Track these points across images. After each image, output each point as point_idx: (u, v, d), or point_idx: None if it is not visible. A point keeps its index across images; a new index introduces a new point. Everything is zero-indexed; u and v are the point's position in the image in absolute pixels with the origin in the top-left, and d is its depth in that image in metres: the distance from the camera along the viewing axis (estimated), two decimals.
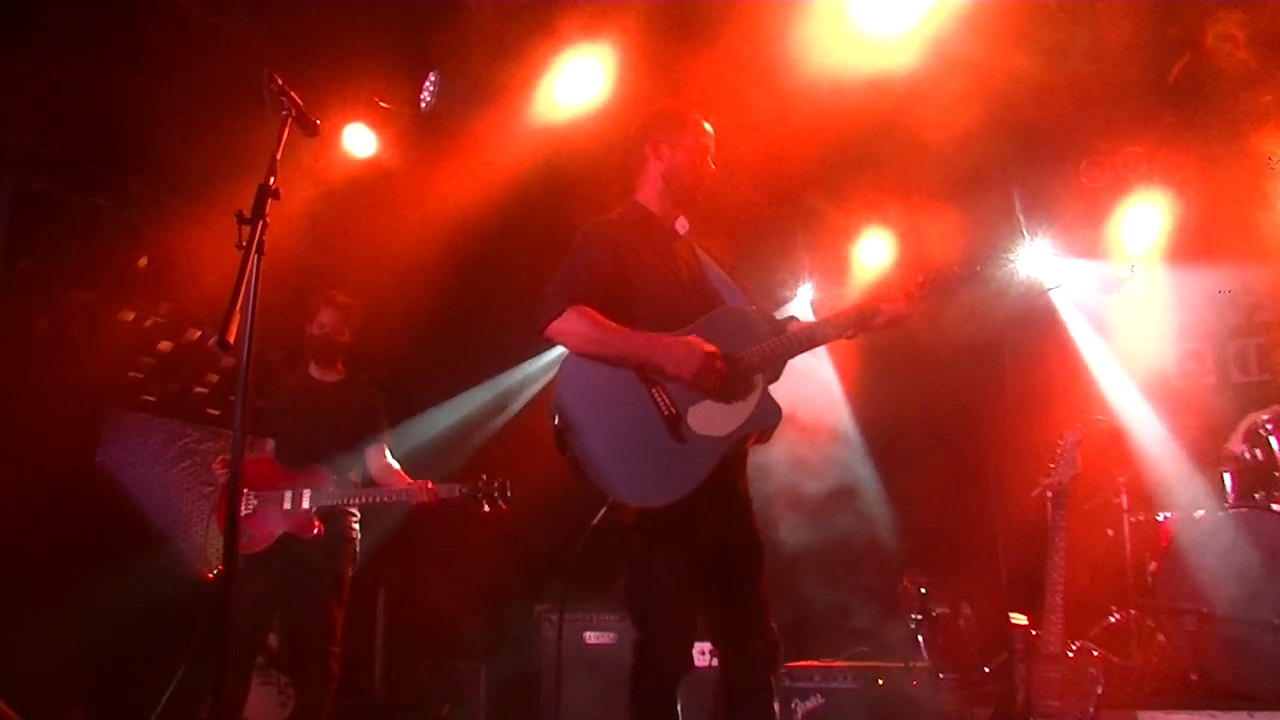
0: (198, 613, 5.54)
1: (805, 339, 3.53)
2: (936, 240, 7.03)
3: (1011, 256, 6.69)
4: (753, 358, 3.48)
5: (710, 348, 3.38)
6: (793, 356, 3.58)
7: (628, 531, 3.45)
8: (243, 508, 5.20)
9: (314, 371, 5.60)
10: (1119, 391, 7.24)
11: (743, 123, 5.56)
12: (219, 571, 5.32)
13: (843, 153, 6.35)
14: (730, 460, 3.48)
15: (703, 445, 3.38)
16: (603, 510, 3.34)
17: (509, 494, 5.23)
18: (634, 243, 3.67)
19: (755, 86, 5.73)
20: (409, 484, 5.32)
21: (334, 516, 5.31)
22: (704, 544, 3.48)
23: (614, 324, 3.46)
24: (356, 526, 5.45)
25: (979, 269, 3.55)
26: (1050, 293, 5.00)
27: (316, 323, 5.55)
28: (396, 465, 5.54)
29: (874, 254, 7.91)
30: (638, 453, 3.38)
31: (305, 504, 5.19)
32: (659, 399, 3.42)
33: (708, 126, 3.85)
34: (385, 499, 5.31)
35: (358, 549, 5.45)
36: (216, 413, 7.16)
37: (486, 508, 5.21)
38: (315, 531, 5.17)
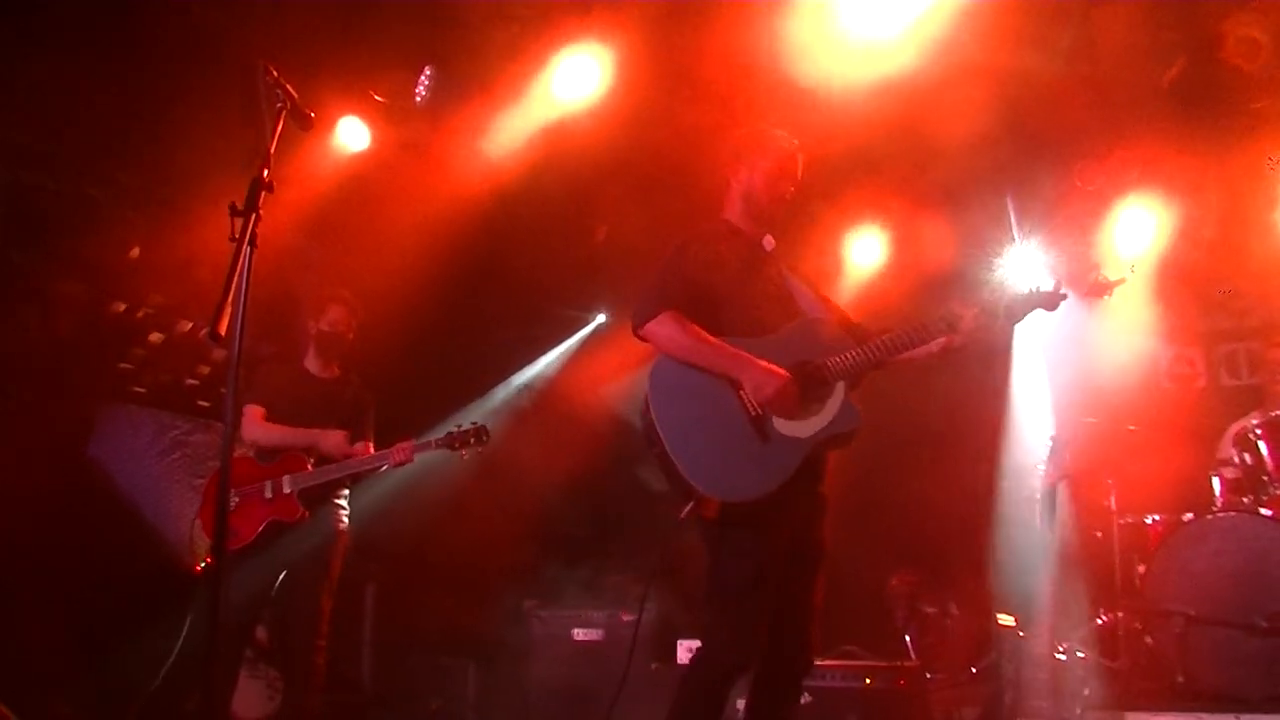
0: (187, 606, 5.54)
1: (886, 349, 3.70)
2: (930, 242, 7.06)
3: (1004, 260, 6.72)
4: (836, 365, 3.65)
5: (788, 375, 3.55)
6: (874, 366, 3.74)
7: (709, 525, 3.59)
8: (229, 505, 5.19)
9: (311, 367, 5.59)
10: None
11: (733, 123, 5.58)
12: (208, 564, 5.31)
13: (834, 153, 6.35)
14: (812, 463, 3.63)
15: (787, 445, 3.55)
16: (689, 505, 3.50)
17: (485, 439, 5.28)
18: (724, 257, 3.83)
19: (746, 86, 5.73)
20: (377, 454, 5.35)
21: (322, 508, 5.31)
22: (780, 543, 3.61)
23: (704, 333, 3.64)
24: (345, 518, 5.45)
25: (1045, 290, 3.67)
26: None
27: (326, 319, 5.55)
28: None
29: (866, 255, 7.93)
30: (725, 449, 3.55)
31: (286, 489, 5.20)
32: (746, 399, 3.58)
33: (788, 147, 4.00)
34: (364, 467, 5.34)
35: (348, 541, 5.45)
36: (207, 405, 7.14)
37: (465, 454, 5.26)
38: (300, 516, 5.18)
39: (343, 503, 5.44)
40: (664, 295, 3.69)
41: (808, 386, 3.61)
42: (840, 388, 3.66)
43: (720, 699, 3.56)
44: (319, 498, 5.30)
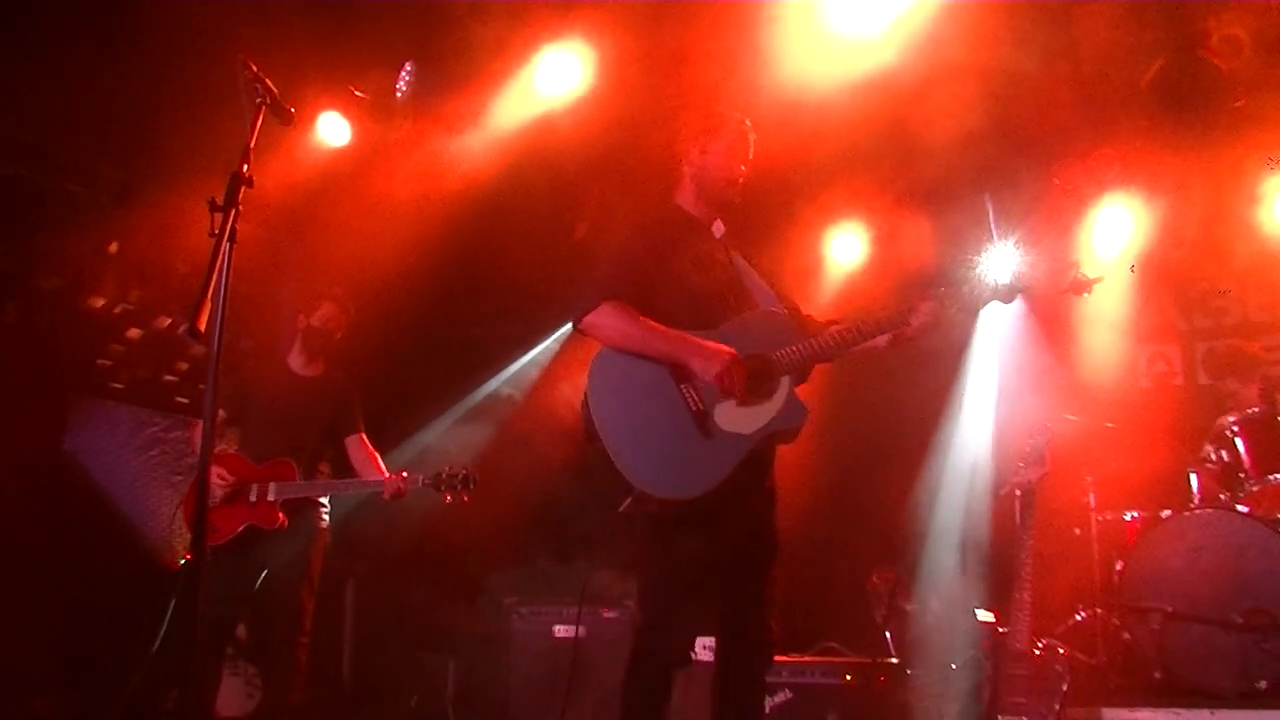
0: (165, 603, 5.51)
1: (837, 343, 3.63)
2: (910, 241, 7.07)
3: (984, 260, 6.72)
4: (782, 359, 3.58)
5: (734, 352, 3.49)
6: (823, 360, 3.68)
7: (651, 522, 3.55)
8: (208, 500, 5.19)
9: (294, 364, 5.55)
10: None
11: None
12: (187, 561, 5.29)
13: (816, 150, 6.36)
14: (757, 458, 3.57)
15: (729, 441, 3.48)
16: (629, 500, 3.44)
17: (472, 485, 5.26)
18: (672, 243, 3.75)
19: (729, 83, 5.73)
20: (376, 477, 5.34)
21: (303, 508, 5.29)
22: (726, 539, 3.56)
23: (647, 320, 3.56)
24: (326, 516, 5.43)
25: (1001, 283, 3.63)
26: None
27: (318, 315, 5.51)
28: (376, 455, 5.56)
29: (847, 253, 7.95)
30: (665, 446, 3.49)
31: (270, 496, 5.17)
32: (688, 395, 3.52)
33: (739, 127, 3.91)
34: (350, 490, 5.34)
35: (328, 540, 5.44)
36: (186, 401, 7.10)
37: (448, 498, 5.24)
38: (279, 525, 5.16)
39: (324, 501, 5.43)
40: (604, 286, 3.61)
41: (754, 380, 3.53)
42: (785, 382, 3.59)
43: (664, 693, 3.51)
44: (300, 500, 5.28)
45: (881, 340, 3.69)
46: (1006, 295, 3.65)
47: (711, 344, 3.50)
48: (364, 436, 5.55)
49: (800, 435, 3.64)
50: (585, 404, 3.53)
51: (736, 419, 3.51)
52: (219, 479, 5.09)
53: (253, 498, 5.18)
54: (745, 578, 3.67)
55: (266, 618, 5.35)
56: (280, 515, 5.17)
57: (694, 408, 3.49)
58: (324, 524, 5.41)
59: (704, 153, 3.84)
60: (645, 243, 3.73)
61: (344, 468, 5.57)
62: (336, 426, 5.49)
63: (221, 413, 5.38)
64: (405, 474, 5.29)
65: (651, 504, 3.45)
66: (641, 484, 3.41)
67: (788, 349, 3.59)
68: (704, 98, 5.65)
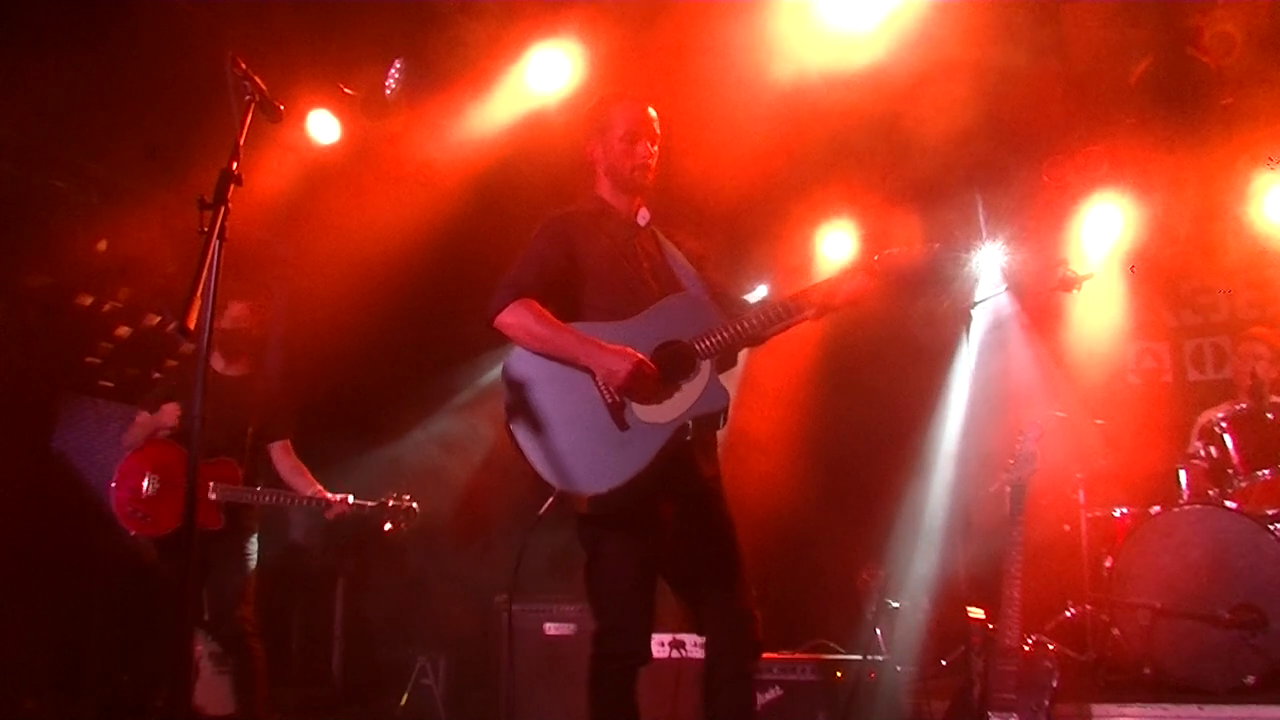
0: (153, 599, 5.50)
1: (765, 321, 3.56)
2: (901, 238, 7.06)
3: (971, 256, 6.74)
4: (704, 346, 3.52)
5: (640, 357, 3.43)
6: (750, 343, 3.64)
7: (583, 521, 3.50)
8: (144, 489, 5.16)
9: (216, 365, 5.47)
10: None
11: (707, 119, 5.59)
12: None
13: (808, 146, 6.36)
14: (684, 447, 3.50)
15: (646, 432, 3.43)
16: (550, 500, 3.40)
17: (413, 516, 5.24)
18: (590, 234, 3.73)
19: (721, 79, 5.73)
20: (323, 496, 5.26)
21: (236, 524, 5.23)
22: (665, 533, 3.51)
23: (556, 321, 3.52)
24: (253, 558, 5.36)
25: (937, 253, 3.59)
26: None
27: (227, 316, 5.41)
28: (301, 464, 5.48)
29: (836, 251, 7.95)
30: (582, 440, 3.43)
31: (211, 496, 5.09)
32: (603, 387, 3.47)
33: (642, 109, 3.86)
34: (292, 502, 5.28)
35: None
36: None
37: (388, 526, 5.22)
38: (219, 526, 5.08)
39: (251, 540, 5.36)
40: (517, 282, 3.58)
41: (672, 367, 3.48)
42: (707, 366, 3.51)
43: (630, 695, 3.48)
44: (235, 514, 5.23)
45: (810, 312, 3.61)
46: (926, 262, 3.59)
47: (616, 348, 3.44)
48: (289, 444, 5.47)
49: (727, 419, 3.55)
50: (505, 404, 3.50)
51: (654, 408, 3.46)
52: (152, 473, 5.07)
53: None
54: (708, 574, 3.61)
55: (221, 610, 5.26)
56: (219, 516, 5.09)
57: (609, 400, 3.44)
58: (252, 563, 5.34)
59: (607, 144, 3.82)
60: (557, 237, 3.70)
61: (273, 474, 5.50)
62: (264, 429, 5.42)
63: (146, 412, 5.35)
64: (350, 498, 5.23)
65: (580, 504, 3.40)
66: (558, 483, 3.38)
67: (710, 335, 3.52)
68: (696, 93, 5.67)
